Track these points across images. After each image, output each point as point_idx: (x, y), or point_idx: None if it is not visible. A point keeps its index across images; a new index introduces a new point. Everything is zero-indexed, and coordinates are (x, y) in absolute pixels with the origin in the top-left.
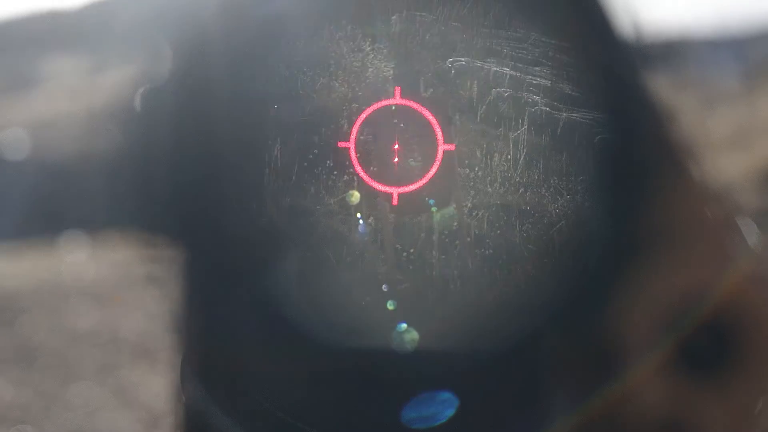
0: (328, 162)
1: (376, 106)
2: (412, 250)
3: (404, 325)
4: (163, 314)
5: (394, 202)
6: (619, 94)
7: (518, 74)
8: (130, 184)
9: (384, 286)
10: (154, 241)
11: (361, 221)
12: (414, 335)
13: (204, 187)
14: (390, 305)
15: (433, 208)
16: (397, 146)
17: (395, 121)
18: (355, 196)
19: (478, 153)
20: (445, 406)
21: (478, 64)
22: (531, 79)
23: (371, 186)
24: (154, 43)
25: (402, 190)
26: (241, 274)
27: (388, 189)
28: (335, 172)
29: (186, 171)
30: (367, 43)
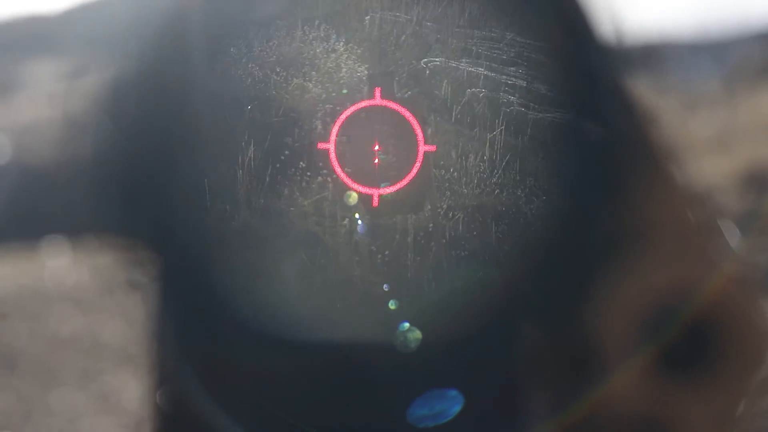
0: (301, 163)
1: (356, 106)
2: (387, 252)
3: (407, 324)
4: (144, 319)
5: (375, 203)
6: (596, 95)
7: (493, 74)
8: (109, 189)
9: (384, 286)
10: (134, 246)
11: (360, 222)
12: (417, 334)
13: (179, 189)
14: (392, 305)
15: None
16: (377, 147)
17: (375, 122)
18: (353, 197)
19: (453, 154)
20: (452, 403)
21: (453, 64)
22: (506, 79)
23: (351, 187)
24: (131, 47)
25: (382, 191)
26: (216, 274)
27: (368, 190)
28: (309, 173)
29: (161, 174)
30: (341, 43)
